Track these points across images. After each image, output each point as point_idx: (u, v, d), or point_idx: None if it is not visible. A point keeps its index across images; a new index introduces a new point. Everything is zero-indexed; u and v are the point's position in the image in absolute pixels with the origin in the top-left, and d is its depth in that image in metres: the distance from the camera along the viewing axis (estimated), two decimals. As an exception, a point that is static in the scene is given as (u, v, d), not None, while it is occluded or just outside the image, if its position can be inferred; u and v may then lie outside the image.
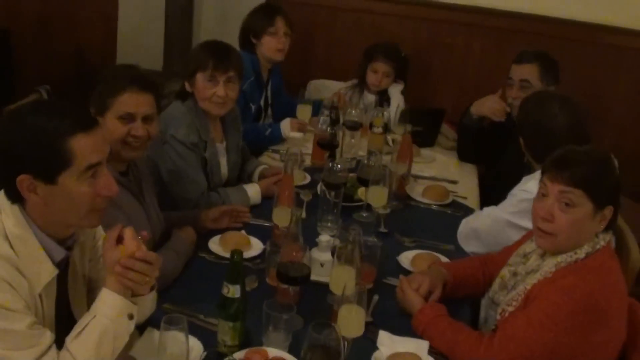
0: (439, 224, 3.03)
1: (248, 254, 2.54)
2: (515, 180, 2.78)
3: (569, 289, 1.95)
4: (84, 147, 1.69)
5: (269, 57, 3.88)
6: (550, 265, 2.06)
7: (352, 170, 3.24)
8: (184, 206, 2.87)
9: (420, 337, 2.15)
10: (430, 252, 2.69)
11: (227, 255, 2.28)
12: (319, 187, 2.89)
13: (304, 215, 2.84)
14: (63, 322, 1.84)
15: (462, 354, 2.04)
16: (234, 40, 3.92)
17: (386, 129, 3.67)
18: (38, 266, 1.74)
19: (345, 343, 1.92)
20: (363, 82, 4.17)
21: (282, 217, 2.52)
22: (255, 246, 2.62)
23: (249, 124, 3.74)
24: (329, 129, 3.36)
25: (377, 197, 2.82)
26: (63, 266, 1.84)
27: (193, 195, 2.86)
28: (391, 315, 2.28)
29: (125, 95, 2.27)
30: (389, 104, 4.14)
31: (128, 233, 1.79)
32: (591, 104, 4.28)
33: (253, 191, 3.01)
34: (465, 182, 3.57)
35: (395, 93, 4.18)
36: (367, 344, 2.09)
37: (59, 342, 1.75)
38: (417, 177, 3.48)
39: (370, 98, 4.17)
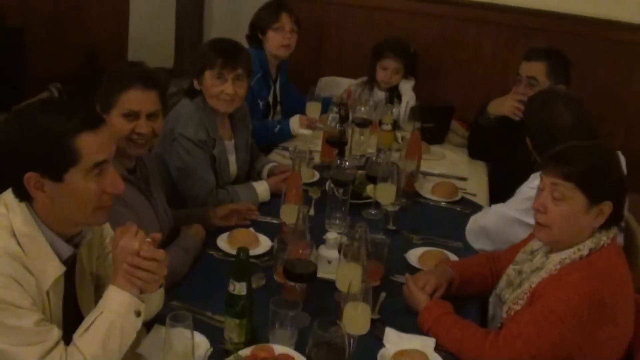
0: (447, 221, 3.02)
1: (256, 251, 2.56)
2: (525, 177, 2.77)
3: (574, 285, 1.94)
4: (91, 145, 1.71)
5: (274, 52, 3.88)
6: (554, 262, 2.06)
7: (361, 168, 3.24)
8: (192, 204, 2.89)
9: (427, 334, 2.15)
10: (438, 249, 2.68)
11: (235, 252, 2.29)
12: (328, 185, 2.89)
13: (312, 212, 2.86)
14: (71, 319, 1.85)
15: (468, 351, 2.05)
16: (244, 38, 3.95)
17: (395, 126, 3.66)
18: (45, 264, 1.75)
19: (351, 340, 1.93)
20: (373, 79, 4.16)
21: (289, 214, 2.52)
22: (264, 243, 2.63)
23: (257, 120, 3.74)
24: (337, 126, 3.36)
25: (385, 194, 2.82)
26: (70, 263, 1.85)
27: (202, 192, 2.88)
28: (398, 313, 2.28)
29: (130, 93, 2.29)
30: (400, 101, 4.13)
31: (132, 232, 1.81)
32: (603, 102, 4.27)
33: (262, 189, 3.02)
34: (475, 179, 3.56)
35: (407, 89, 4.18)
36: (373, 341, 2.09)
37: (67, 339, 1.76)
38: (426, 174, 3.48)
39: (380, 95, 4.17)
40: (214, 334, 2.03)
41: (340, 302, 2.11)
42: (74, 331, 1.78)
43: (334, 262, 2.37)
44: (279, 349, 1.96)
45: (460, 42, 4.57)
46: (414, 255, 2.64)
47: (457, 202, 3.22)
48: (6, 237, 1.71)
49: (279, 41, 3.84)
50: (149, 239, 1.81)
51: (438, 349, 2.09)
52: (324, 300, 2.27)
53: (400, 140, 3.62)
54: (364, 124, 3.56)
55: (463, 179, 3.52)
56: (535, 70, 3.39)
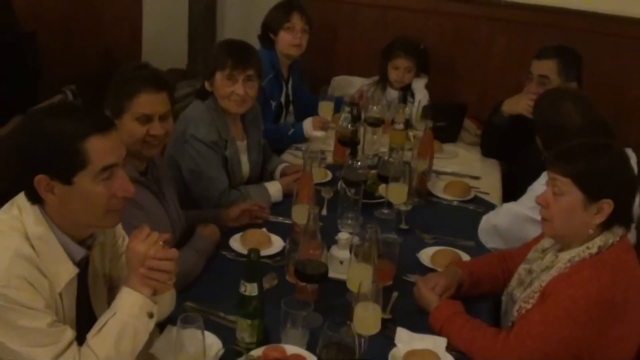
0: (460, 220, 3.02)
1: (269, 251, 2.57)
2: (537, 175, 2.76)
3: (584, 283, 1.95)
4: (100, 148, 1.72)
5: (285, 52, 3.88)
6: (564, 261, 2.06)
7: (374, 167, 3.24)
8: (205, 205, 2.90)
9: (439, 334, 2.15)
10: (450, 248, 2.68)
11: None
12: (340, 185, 2.89)
13: (325, 212, 2.87)
14: (84, 320, 1.87)
15: (479, 350, 2.05)
16: (257, 39, 3.96)
17: (408, 125, 3.66)
18: (58, 266, 1.77)
19: (362, 340, 1.94)
20: (385, 79, 4.15)
21: (301, 214, 2.53)
22: (276, 244, 2.64)
23: (269, 121, 3.75)
24: (350, 126, 3.36)
25: (397, 194, 2.82)
26: (83, 265, 1.87)
27: (214, 193, 2.89)
28: (410, 312, 2.29)
29: (142, 96, 2.31)
30: (413, 99, 4.13)
31: (144, 234, 1.82)
32: (617, 99, 4.24)
33: (274, 189, 3.03)
34: (488, 178, 3.54)
35: (420, 88, 4.17)
36: (385, 340, 2.10)
37: (80, 340, 1.78)
38: (439, 172, 3.47)
39: (393, 94, 4.16)
40: (227, 334, 2.05)
41: (352, 302, 2.11)
42: (87, 332, 1.80)
43: (346, 262, 2.38)
44: (290, 349, 1.98)
45: (473, 40, 4.55)
46: (426, 255, 2.64)
47: (470, 201, 3.21)
48: (20, 240, 1.73)
49: (289, 41, 3.84)
50: (162, 242, 1.83)
51: (449, 348, 2.09)
52: (336, 300, 2.28)
53: (412, 139, 3.61)
54: (376, 123, 3.56)
55: (476, 177, 3.51)
56: (547, 68, 3.39)
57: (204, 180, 2.90)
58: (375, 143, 3.60)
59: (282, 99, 3.97)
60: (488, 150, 3.81)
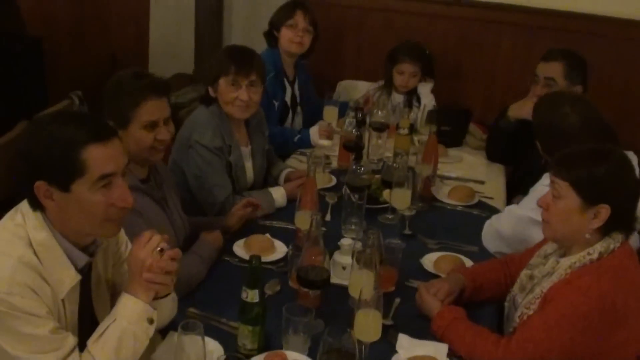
0: (464, 225, 3.01)
1: (272, 257, 2.58)
2: (541, 180, 2.77)
3: (584, 289, 1.95)
4: (98, 157, 1.73)
5: (286, 49, 3.88)
6: (565, 266, 2.06)
7: (378, 172, 3.24)
8: (210, 211, 2.92)
9: (440, 340, 2.15)
10: (453, 254, 2.68)
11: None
12: (344, 190, 2.89)
13: (329, 217, 2.87)
14: (87, 325, 1.88)
15: (481, 356, 2.05)
16: (263, 43, 3.97)
17: (412, 129, 3.65)
18: (61, 272, 1.78)
19: (362, 347, 1.94)
20: (390, 83, 4.15)
21: (304, 220, 2.53)
22: (279, 249, 2.64)
23: (274, 122, 3.76)
24: (354, 130, 3.36)
25: (400, 199, 2.82)
26: (86, 271, 1.88)
27: (219, 199, 2.90)
28: (413, 318, 2.29)
29: (147, 105, 2.32)
30: (419, 103, 4.13)
31: (145, 239, 1.83)
32: (622, 102, 4.23)
33: (278, 194, 3.03)
34: (492, 183, 3.54)
35: (425, 92, 4.16)
36: (387, 347, 2.10)
37: (83, 345, 1.79)
38: (443, 177, 3.47)
39: (398, 99, 4.15)
40: (229, 340, 2.06)
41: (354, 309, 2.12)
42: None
43: (349, 268, 2.38)
44: (292, 355, 1.98)
45: (478, 44, 4.54)
46: (429, 261, 2.64)
47: (474, 205, 3.21)
48: (23, 247, 1.74)
49: (291, 37, 3.83)
50: (159, 249, 1.84)
51: (451, 354, 2.09)
52: (338, 306, 2.28)
53: (417, 144, 3.61)
54: (381, 128, 3.56)
55: (481, 182, 3.50)
56: (553, 70, 3.38)
57: (208, 186, 2.91)
58: (380, 148, 3.59)
59: (288, 100, 3.97)
60: (493, 154, 3.80)
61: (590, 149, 2.10)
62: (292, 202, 2.90)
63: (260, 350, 2.00)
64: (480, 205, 3.23)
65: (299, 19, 3.84)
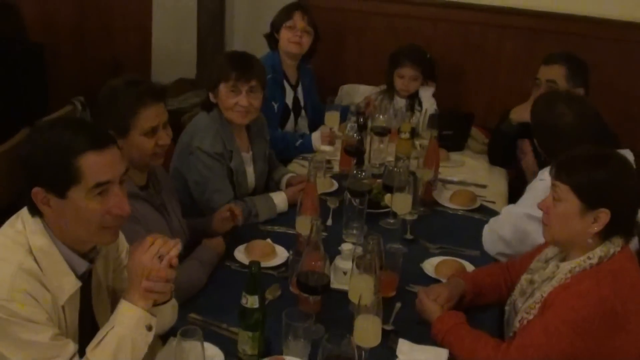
0: (465, 229, 3.01)
1: (273, 262, 2.58)
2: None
3: (584, 293, 1.95)
4: (94, 165, 1.74)
5: (285, 49, 3.89)
6: (564, 271, 2.06)
7: (380, 177, 3.24)
8: (211, 216, 2.91)
9: (441, 345, 2.15)
10: (454, 258, 2.68)
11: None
12: (345, 194, 2.89)
13: (330, 222, 2.87)
14: (87, 332, 1.88)
15: (481, 361, 2.05)
16: (266, 48, 3.98)
17: (414, 134, 3.65)
18: (61, 279, 1.79)
19: (362, 352, 1.94)
20: (392, 87, 4.15)
21: (304, 225, 2.52)
22: (280, 254, 2.64)
23: (275, 125, 3.76)
24: (355, 135, 3.36)
25: (401, 204, 2.82)
26: (86, 278, 1.89)
27: (220, 204, 2.88)
28: (413, 323, 2.28)
29: (147, 111, 2.32)
30: (421, 107, 4.12)
31: (145, 246, 1.84)
32: (625, 105, 4.23)
33: (279, 199, 3.03)
34: (494, 187, 3.53)
35: (427, 96, 4.16)
36: (387, 352, 2.10)
37: (84, 353, 1.79)
38: (445, 181, 3.47)
39: (400, 103, 4.15)
40: (230, 346, 2.06)
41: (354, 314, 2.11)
42: (90, 344, 1.82)
43: (349, 273, 2.38)
44: (291, 360, 1.98)
45: (481, 47, 4.55)
46: (430, 265, 2.63)
47: (476, 210, 3.20)
48: (23, 254, 1.75)
49: (289, 37, 3.84)
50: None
51: (451, 359, 2.09)
52: (339, 311, 2.28)
53: (419, 148, 3.61)
54: (382, 132, 3.56)
55: (482, 186, 3.50)
56: (555, 73, 3.38)
57: (209, 191, 2.91)
58: (382, 152, 3.59)
59: (289, 102, 3.97)
60: (496, 158, 3.80)
61: (592, 152, 2.10)
62: (294, 207, 2.90)
63: (260, 356, 2.00)
64: (482, 209, 3.22)
65: (297, 20, 3.85)
